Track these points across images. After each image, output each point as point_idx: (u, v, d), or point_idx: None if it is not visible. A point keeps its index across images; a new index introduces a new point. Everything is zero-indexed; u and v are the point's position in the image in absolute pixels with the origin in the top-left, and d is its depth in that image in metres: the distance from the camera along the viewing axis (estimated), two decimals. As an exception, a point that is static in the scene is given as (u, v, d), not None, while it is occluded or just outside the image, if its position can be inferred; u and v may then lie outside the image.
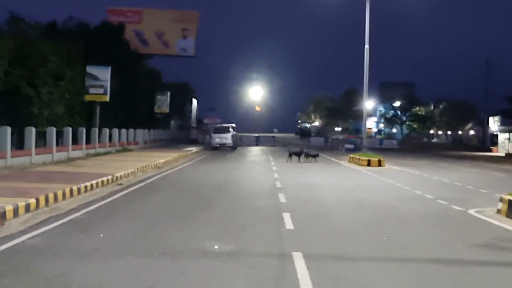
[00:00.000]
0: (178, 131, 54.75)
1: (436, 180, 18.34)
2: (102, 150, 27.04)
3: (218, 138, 39.49)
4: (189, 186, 14.65)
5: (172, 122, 54.55)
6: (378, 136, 75.46)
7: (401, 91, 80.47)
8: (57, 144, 21.88)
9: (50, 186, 11.81)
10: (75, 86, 26.07)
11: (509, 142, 51.98)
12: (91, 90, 28.93)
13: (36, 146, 19.82)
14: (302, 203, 11.51)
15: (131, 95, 35.25)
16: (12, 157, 17.79)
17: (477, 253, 7.22)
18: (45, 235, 7.63)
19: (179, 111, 54.52)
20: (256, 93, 79.29)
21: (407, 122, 77.27)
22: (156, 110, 44.79)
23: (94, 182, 13.23)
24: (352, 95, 76.60)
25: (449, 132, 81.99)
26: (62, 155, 21.91)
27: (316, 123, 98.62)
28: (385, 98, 79.99)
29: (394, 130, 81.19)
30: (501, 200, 10.63)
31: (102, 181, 13.86)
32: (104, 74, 29.25)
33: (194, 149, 35.83)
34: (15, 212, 8.92)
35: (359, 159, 25.38)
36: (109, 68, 29.42)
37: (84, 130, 25.04)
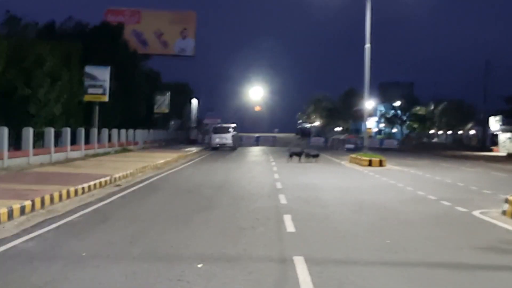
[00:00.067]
0: (178, 131, 54.57)
1: (438, 181, 18.14)
2: (101, 150, 26.83)
3: (218, 138, 39.31)
4: (189, 187, 14.46)
5: (171, 122, 54.38)
6: (378, 136, 75.21)
7: (401, 91, 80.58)
8: (55, 145, 21.70)
9: (46, 187, 11.61)
10: (73, 87, 25.84)
11: (510, 141, 51.77)
12: (90, 90, 28.70)
13: (34, 147, 19.64)
14: (303, 204, 11.31)
15: (130, 95, 35.04)
16: (9, 158, 17.61)
17: (482, 256, 7.03)
18: (39, 239, 7.44)
19: (178, 111, 54.30)
20: (256, 93, 78.92)
21: (408, 122, 77.16)
22: (155, 110, 44.57)
23: (92, 183, 13.04)
24: (352, 96, 76.61)
25: (449, 132, 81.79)
26: (61, 155, 21.68)
27: (316, 123, 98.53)
28: (385, 98, 79.91)
29: (394, 130, 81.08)
30: (506, 201, 10.43)
31: (100, 182, 13.66)
32: (103, 74, 29.01)
33: (194, 149, 35.66)
34: (10, 215, 8.72)
35: (360, 159, 25.18)
36: (108, 68, 29.18)
37: (83, 130, 24.83)
